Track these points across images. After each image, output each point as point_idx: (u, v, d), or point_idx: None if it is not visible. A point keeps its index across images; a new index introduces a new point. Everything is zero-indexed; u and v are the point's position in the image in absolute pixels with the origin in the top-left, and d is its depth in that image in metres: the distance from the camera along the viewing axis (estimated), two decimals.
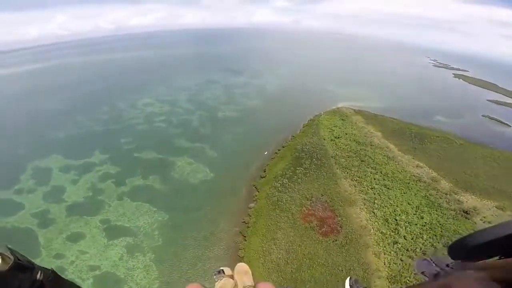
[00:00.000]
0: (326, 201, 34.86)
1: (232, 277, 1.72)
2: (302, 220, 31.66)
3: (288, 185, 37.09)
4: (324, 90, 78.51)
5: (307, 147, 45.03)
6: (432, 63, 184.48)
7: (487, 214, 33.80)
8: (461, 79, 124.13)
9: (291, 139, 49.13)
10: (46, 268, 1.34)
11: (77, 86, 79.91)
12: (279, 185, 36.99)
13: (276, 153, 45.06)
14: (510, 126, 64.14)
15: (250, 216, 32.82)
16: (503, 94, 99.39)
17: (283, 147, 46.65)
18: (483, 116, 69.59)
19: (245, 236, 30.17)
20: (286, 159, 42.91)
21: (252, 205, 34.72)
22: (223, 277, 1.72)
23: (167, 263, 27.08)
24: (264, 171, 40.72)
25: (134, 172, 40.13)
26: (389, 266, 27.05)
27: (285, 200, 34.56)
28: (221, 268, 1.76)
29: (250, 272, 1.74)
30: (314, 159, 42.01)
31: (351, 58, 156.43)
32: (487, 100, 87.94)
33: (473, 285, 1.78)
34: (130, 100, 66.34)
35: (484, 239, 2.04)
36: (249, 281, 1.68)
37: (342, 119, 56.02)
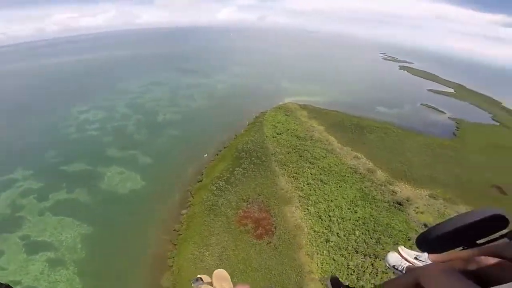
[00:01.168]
0: (262, 201, 33.75)
1: (211, 284, 1.72)
2: (238, 223, 30.24)
3: (225, 187, 35.44)
4: (276, 86, 78.21)
5: (248, 146, 43.75)
6: (382, 56, 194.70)
7: (420, 204, 34.71)
8: (405, 71, 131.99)
9: (234, 138, 47.56)
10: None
11: (2, 96, 71.37)
12: (215, 188, 35.20)
13: (216, 154, 43.17)
14: (445, 114, 68.42)
15: (182, 223, 30.84)
16: (442, 84, 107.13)
17: (225, 147, 44.90)
18: (421, 105, 73.72)
19: (175, 244, 28.30)
20: (226, 160, 41.23)
21: (184, 211, 32.67)
22: (202, 284, 1.70)
23: (91, 275, 25.57)
24: (202, 175, 38.65)
25: (59, 186, 36.77)
26: (321, 268, 26.37)
27: (221, 204, 32.90)
28: (199, 276, 1.76)
29: (229, 278, 1.76)
30: (254, 158, 40.81)
31: (308, 54, 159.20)
32: (427, 90, 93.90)
33: (438, 276, 2.02)
34: (63, 108, 60.56)
35: (444, 230, 2.43)
36: (228, 286, 1.70)
37: (287, 115, 55.68)
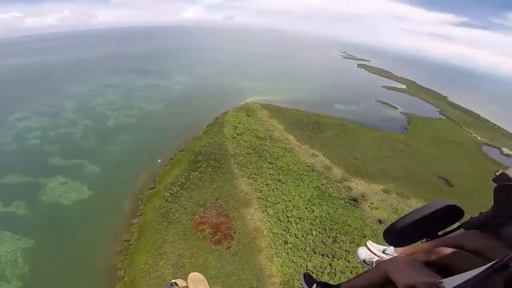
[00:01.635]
0: (221, 205, 32.78)
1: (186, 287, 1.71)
2: (194, 229, 29.02)
3: (180, 193, 33.93)
4: (239, 86, 77.38)
5: (206, 149, 42.44)
6: (342, 55, 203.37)
7: (374, 200, 35.82)
8: (363, 69, 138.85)
9: (192, 141, 45.84)
10: None
11: None
12: (169, 194, 33.57)
13: (171, 159, 41.18)
14: (397, 109, 72.59)
15: (133, 232, 28.96)
16: (396, 81, 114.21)
17: (181, 151, 43.05)
18: (376, 101, 77.61)
19: (127, 255, 26.60)
20: (182, 164, 39.55)
21: (136, 220, 30.67)
22: None
23: None
24: (155, 182, 36.59)
25: None
26: (281, 270, 26.04)
27: (175, 211, 31.45)
28: (173, 280, 1.72)
29: (205, 280, 1.73)
30: (212, 161, 39.62)
31: (272, 53, 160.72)
32: (382, 86, 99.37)
33: (403, 269, 2.11)
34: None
35: (406, 223, 2.53)
36: None
37: (248, 115, 55.18)
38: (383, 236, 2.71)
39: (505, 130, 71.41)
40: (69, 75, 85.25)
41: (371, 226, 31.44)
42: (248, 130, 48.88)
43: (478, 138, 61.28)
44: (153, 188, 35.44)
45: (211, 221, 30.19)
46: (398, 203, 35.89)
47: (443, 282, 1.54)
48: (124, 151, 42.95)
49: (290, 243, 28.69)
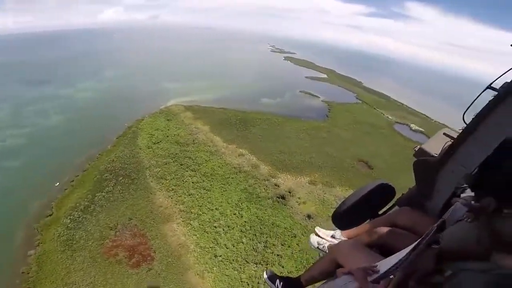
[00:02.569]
0: (136, 225, 28.54)
1: None
2: (106, 254, 25.02)
3: (83, 218, 28.66)
4: (159, 88, 70.58)
5: (115, 164, 36.88)
6: (270, 49, 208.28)
7: (301, 194, 35.21)
8: (289, 61, 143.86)
9: (97, 158, 39.41)
10: None
11: None
12: (70, 221, 28.15)
13: (72, 181, 34.57)
14: (319, 98, 76.02)
15: (31, 264, 24.20)
16: (318, 71, 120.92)
17: (84, 171, 36.51)
18: (300, 91, 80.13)
19: None
20: (85, 186, 33.44)
21: (32, 252, 25.37)
22: None
23: None
24: (52, 208, 30.33)
25: None
26: (215, 287, 23.71)
27: (79, 237, 26.45)
28: None
29: None
30: (121, 178, 34.47)
31: (199, 51, 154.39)
32: (305, 77, 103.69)
33: (348, 252, 2.14)
34: None
35: (347, 206, 2.71)
36: None
37: (168, 120, 50.39)
38: (332, 220, 2.94)
39: (411, 108, 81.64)
40: None
41: (300, 224, 30.87)
42: (167, 136, 44.39)
43: (390, 117, 68.17)
44: (50, 215, 29.20)
45: (126, 244, 26.21)
46: (325, 193, 36.35)
47: (377, 265, 1.53)
48: (12, 178, 34.47)
49: (220, 255, 26.24)
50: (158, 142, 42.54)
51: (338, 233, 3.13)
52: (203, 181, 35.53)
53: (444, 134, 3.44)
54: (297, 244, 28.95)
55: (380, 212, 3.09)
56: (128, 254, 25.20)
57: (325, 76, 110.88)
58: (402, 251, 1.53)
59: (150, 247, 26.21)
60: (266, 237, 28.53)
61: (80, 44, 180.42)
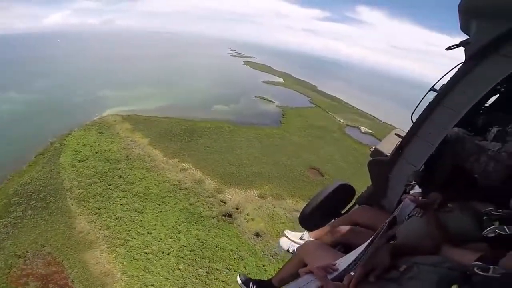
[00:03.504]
0: (50, 252, 24.14)
1: None
2: (14, 284, 21.59)
3: None
4: (96, 97, 63.12)
5: (28, 187, 31.02)
6: (231, 53, 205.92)
7: (250, 209, 32.36)
8: (247, 65, 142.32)
9: (8, 180, 32.92)
10: None
11: None
12: None
13: None
14: (274, 102, 74.58)
15: None
16: (275, 75, 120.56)
17: None
18: (255, 96, 78.06)
19: None
20: None
21: None
22: None
23: None
24: None
25: None
26: None
27: None
28: None
29: None
30: (34, 201, 28.97)
31: (154, 56, 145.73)
32: (262, 81, 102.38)
33: (313, 252, 2.21)
34: None
35: (311, 207, 2.90)
36: None
37: (100, 133, 44.46)
38: (299, 222, 3.16)
39: (361, 110, 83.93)
40: None
41: (248, 244, 28.05)
42: (96, 152, 38.79)
43: (342, 121, 68.80)
44: None
45: (38, 273, 22.43)
46: (274, 207, 34.03)
47: (336, 263, 1.61)
48: None
49: (152, 284, 22.63)
50: (84, 160, 36.90)
51: (306, 234, 3.18)
52: (135, 202, 31.11)
53: (396, 134, 3.89)
54: (244, 267, 26.33)
55: (343, 212, 3.32)
56: (41, 284, 21.74)
57: (281, 80, 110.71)
58: (358, 248, 1.58)
59: (67, 276, 22.59)
60: (209, 262, 25.48)
61: (15, 50, 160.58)
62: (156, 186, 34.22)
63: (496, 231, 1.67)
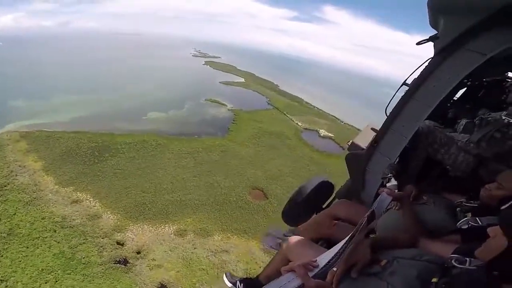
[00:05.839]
0: None
1: None
2: None
3: None
4: (1, 110, 51.25)
5: None
6: (194, 53, 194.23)
7: (158, 252, 24.64)
8: (208, 65, 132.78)
9: None
10: None
11: None
12: None
13: None
14: (226, 106, 66.06)
15: None
16: (236, 75, 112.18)
17: None
18: (206, 100, 69.10)
19: None
20: None
21: None
22: None
23: None
24: None
25: None
26: None
27: None
28: None
29: None
30: None
31: (101, 60, 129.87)
32: (219, 82, 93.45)
33: (295, 248, 2.19)
34: None
35: (293, 203, 2.90)
36: None
37: None
38: (282, 219, 3.14)
39: (322, 110, 77.89)
40: None
41: None
42: None
43: (299, 124, 61.94)
44: None
45: None
46: (194, 248, 26.03)
47: (316, 260, 1.56)
48: None
49: None
50: None
51: (289, 229, 3.45)
52: None
53: (372, 128, 3.91)
54: None
55: (324, 206, 3.24)
56: None
57: (242, 80, 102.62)
58: (338, 244, 1.55)
59: None
60: None
61: None
62: (30, 224, 24.83)
63: (469, 223, 1.75)
